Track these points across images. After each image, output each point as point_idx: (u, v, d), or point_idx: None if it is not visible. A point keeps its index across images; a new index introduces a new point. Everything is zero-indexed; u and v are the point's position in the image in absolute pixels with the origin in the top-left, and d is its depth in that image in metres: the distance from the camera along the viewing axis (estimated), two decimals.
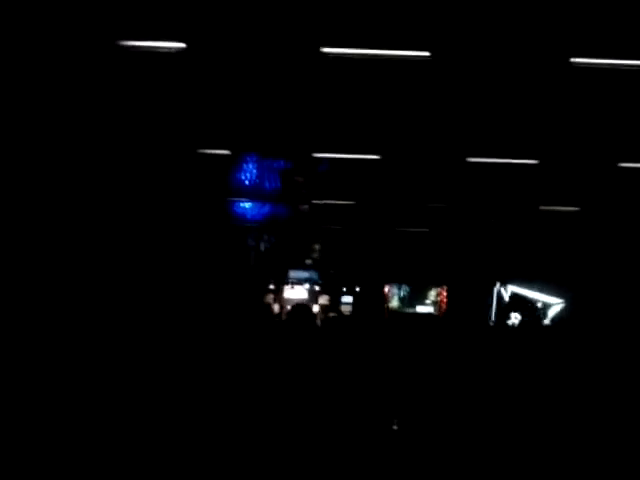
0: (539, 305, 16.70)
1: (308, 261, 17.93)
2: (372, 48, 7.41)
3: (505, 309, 17.14)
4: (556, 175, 11.72)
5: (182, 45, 7.28)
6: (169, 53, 7.46)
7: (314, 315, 14.47)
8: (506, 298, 17.22)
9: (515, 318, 16.93)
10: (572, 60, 7.52)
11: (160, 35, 7.18)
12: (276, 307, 17.12)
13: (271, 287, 17.52)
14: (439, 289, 18.44)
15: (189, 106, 9.47)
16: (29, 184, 8.39)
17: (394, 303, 18.83)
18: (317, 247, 17.95)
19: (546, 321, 16.45)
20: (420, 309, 18.66)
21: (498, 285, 17.31)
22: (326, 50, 7.45)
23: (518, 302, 17.06)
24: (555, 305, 16.19)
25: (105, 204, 10.02)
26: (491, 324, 16.58)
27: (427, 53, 7.47)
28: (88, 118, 9.26)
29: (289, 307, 14.72)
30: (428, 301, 18.69)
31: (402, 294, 18.85)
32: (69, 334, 6.97)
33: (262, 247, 16.26)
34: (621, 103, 8.77)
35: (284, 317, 15.56)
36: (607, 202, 13.07)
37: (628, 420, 3.89)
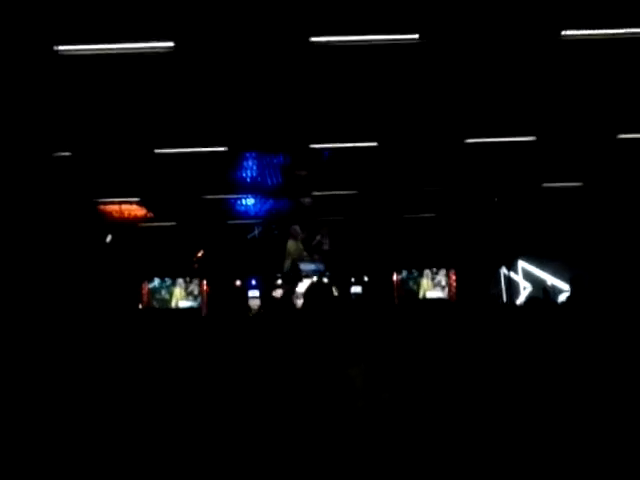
0: (549, 284, 16.63)
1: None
2: (361, 34, 7.39)
3: (515, 288, 17.09)
4: (555, 151, 11.63)
5: (170, 44, 7.29)
6: (159, 53, 7.47)
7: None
8: (516, 278, 17.16)
9: (524, 289, 16.90)
10: (563, 33, 7.49)
11: (148, 35, 7.20)
12: None
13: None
14: (448, 273, 18.38)
15: (182, 104, 9.48)
16: None
17: (403, 290, 18.79)
18: (323, 239, 17.92)
19: (558, 299, 16.39)
20: (430, 294, 18.62)
21: (504, 269, 17.24)
22: (315, 39, 7.44)
23: (529, 279, 17.04)
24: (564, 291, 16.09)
25: None
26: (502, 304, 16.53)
27: (416, 35, 7.45)
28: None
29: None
30: (438, 286, 18.65)
31: (410, 281, 18.81)
32: None
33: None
34: (614, 73, 8.70)
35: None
36: (609, 175, 12.97)
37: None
